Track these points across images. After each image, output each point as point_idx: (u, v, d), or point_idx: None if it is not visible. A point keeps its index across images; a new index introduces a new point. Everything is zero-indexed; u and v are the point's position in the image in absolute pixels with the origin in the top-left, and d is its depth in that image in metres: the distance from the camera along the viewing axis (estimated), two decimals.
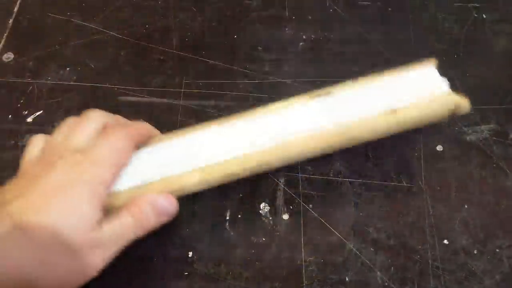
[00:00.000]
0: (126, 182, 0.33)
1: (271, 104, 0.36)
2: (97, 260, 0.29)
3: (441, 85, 0.36)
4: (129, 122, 0.36)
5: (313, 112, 0.35)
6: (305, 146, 0.34)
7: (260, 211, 0.38)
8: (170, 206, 0.32)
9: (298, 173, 0.40)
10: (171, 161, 0.34)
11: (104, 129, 0.33)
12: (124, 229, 0.30)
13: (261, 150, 0.34)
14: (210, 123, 0.36)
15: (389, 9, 0.50)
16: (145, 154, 0.34)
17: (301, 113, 0.35)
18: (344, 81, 0.36)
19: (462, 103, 0.35)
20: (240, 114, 0.36)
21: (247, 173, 0.34)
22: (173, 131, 0.36)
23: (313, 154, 0.35)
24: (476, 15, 0.49)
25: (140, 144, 0.34)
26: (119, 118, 0.36)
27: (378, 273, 0.35)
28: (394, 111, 0.34)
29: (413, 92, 0.35)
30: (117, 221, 0.30)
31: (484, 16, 0.49)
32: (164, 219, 0.32)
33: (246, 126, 0.35)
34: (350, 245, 0.36)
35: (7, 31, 0.49)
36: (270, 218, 0.38)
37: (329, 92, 0.36)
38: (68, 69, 0.46)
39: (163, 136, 0.36)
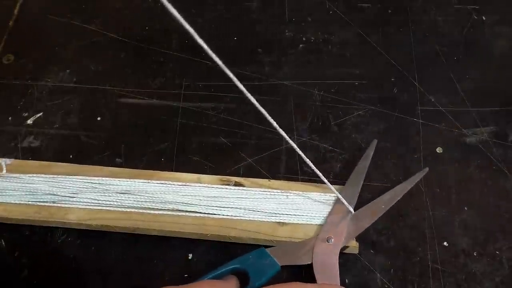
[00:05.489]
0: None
1: (186, 174, 0.38)
2: None
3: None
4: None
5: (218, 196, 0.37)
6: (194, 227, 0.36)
7: None
8: None
9: (298, 175, 0.40)
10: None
11: None
12: None
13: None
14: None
15: (389, 11, 0.50)
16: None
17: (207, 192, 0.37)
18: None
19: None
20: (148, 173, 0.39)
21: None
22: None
23: (199, 237, 0.36)
24: (475, 17, 0.49)
25: None
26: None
27: (378, 275, 0.35)
28: (283, 225, 0.36)
29: (308, 212, 0.37)
30: None
31: (484, 18, 0.49)
32: None
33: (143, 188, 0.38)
34: None
35: (8, 32, 0.49)
36: None
37: (240, 184, 0.38)
38: (68, 71, 0.46)
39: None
